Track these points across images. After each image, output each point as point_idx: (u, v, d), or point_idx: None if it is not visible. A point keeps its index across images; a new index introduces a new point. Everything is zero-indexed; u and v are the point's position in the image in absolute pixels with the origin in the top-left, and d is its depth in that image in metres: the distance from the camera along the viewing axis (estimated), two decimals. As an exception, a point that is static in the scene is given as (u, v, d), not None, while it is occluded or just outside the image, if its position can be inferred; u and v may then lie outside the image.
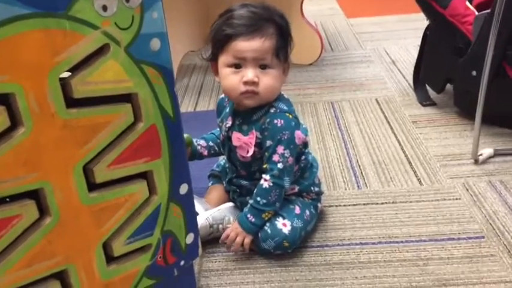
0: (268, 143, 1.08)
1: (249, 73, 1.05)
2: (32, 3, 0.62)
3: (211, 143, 1.28)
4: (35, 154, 0.67)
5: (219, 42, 1.08)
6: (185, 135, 0.98)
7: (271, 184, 1.08)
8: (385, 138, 1.60)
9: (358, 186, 1.37)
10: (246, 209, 1.12)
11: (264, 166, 1.10)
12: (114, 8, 0.70)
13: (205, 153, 1.28)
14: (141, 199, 0.82)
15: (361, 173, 1.43)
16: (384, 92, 1.96)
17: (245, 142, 1.12)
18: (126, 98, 0.76)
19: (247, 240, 1.11)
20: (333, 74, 2.18)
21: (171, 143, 0.83)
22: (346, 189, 1.36)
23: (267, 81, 1.07)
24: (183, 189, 0.88)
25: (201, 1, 2.37)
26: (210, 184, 1.33)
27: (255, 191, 1.11)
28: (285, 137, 1.08)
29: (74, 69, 0.69)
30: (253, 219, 1.10)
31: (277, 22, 1.08)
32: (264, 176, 1.10)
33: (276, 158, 1.08)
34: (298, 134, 1.10)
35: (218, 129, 1.24)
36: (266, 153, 1.10)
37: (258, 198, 1.09)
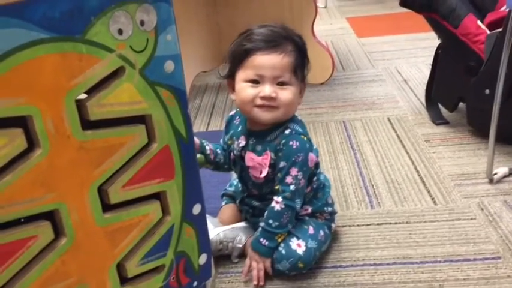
0: (282, 164, 1.08)
1: (267, 88, 1.05)
2: (50, 28, 0.64)
3: (219, 151, 1.24)
4: (51, 175, 0.68)
5: (238, 57, 1.08)
6: (198, 156, 0.98)
7: (283, 206, 1.08)
8: (397, 158, 1.60)
9: (371, 206, 1.36)
10: (257, 233, 1.11)
11: (276, 187, 1.09)
12: (130, 31, 0.71)
13: (212, 157, 1.22)
14: (155, 220, 0.83)
15: (374, 192, 1.42)
16: (396, 111, 1.95)
17: (259, 163, 1.11)
18: (141, 119, 0.77)
19: (268, 263, 1.10)
20: (344, 93, 2.18)
21: (184, 164, 0.84)
22: (359, 208, 1.36)
23: (286, 95, 1.06)
24: (196, 209, 0.89)
25: (212, 22, 2.40)
26: (223, 204, 1.32)
27: (266, 214, 1.10)
28: (299, 159, 1.07)
29: (90, 91, 0.70)
30: (266, 243, 1.09)
31: (295, 41, 1.09)
32: (275, 198, 1.09)
33: (289, 179, 1.07)
34: (311, 156, 1.10)
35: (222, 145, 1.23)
36: (279, 174, 1.09)
37: (270, 221, 1.09)
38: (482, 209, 1.30)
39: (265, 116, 1.08)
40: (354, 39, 3.02)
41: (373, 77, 2.36)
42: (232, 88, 1.13)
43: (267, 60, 1.05)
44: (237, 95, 1.10)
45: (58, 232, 0.71)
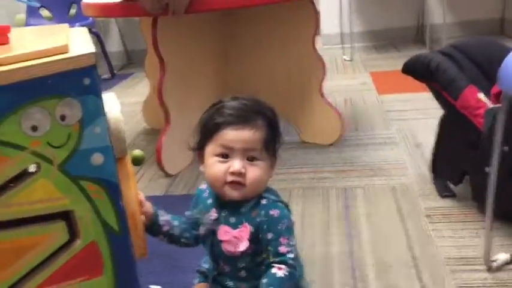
0: (270, 235, 1.02)
1: (236, 164, 1.02)
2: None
3: (176, 223, 1.15)
4: None
5: (208, 131, 1.06)
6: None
7: (287, 274, 1.00)
8: (393, 234, 1.49)
9: (355, 291, 1.27)
10: None
11: (271, 260, 1.02)
12: (47, 127, 0.69)
13: (165, 228, 1.13)
14: (79, 320, 0.77)
15: (361, 274, 1.33)
16: (402, 179, 1.86)
17: (235, 236, 1.06)
18: (61, 215, 0.73)
19: None
20: (352, 156, 2.10)
21: (116, 259, 0.79)
22: (341, 293, 1.26)
23: (254, 172, 1.03)
24: (133, 305, 0.83)
25: (221, 78, 2.39)
26: (196, 282, 1.26)
27: (265, 281, 1.01)
28: (285, 226, 1.02)
29: (-2, 191, 0.67)
30: None
31: (267, 115, 1.06)
32: (277, 265, 1.01)
33: (283, 249, 1.01)
34: (292, 220, 1.05)
35: (185, 218, 1.16)
36: (270, 248, 1.02)
37: None
38: (475, 303, 1.18)
39: (233, 194, 1.04)
40: (374, 96, 2.94)
41: (385, 139, 2.27)
42: (202, 159, 1.09)
43: (237, 135, 1.02)
44: (206, 170, 1.07)
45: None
